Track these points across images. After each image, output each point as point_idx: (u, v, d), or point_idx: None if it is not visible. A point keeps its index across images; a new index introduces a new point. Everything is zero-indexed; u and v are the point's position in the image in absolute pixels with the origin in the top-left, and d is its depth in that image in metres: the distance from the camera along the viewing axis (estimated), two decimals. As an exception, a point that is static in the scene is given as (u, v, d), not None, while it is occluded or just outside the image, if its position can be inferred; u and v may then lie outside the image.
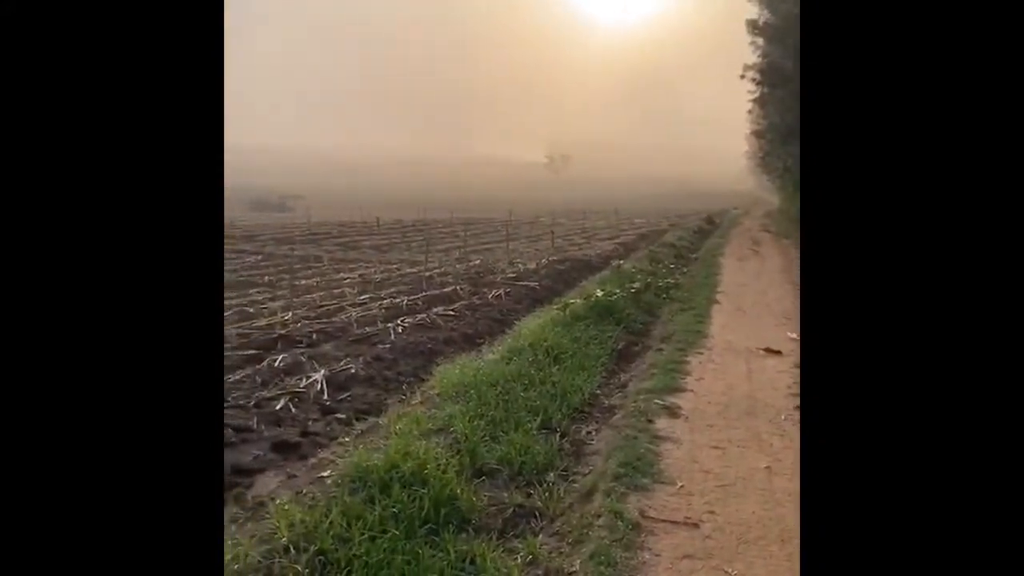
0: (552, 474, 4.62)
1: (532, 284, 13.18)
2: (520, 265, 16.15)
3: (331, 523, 3.36)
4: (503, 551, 3.56)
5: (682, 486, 4.39)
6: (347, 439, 5.28)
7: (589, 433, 5.60)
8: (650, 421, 5.60)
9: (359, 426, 5.57)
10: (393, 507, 3.60)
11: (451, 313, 10.15)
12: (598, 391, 6.67)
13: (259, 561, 3.07)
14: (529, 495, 4.28)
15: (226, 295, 12.44)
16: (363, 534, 3.32)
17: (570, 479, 4.64)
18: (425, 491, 3.78)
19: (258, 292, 13.01)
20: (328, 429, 5.71)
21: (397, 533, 3.39)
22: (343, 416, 5.97)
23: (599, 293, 10.00)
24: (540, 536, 3.83)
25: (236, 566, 3.00)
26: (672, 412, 5.90)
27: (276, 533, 3.31)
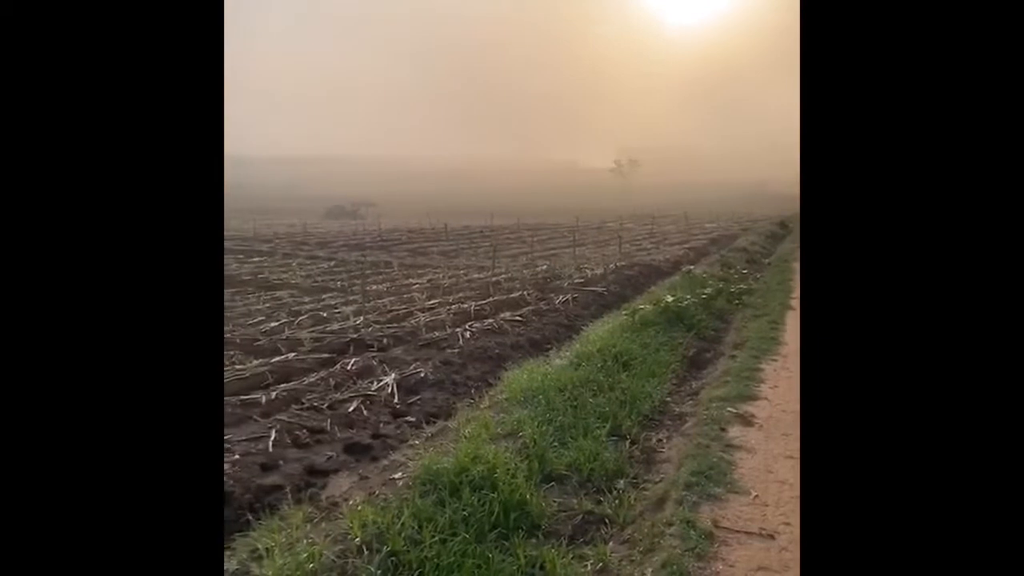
0: (622, 481, 4.56)
1: (599, 289, 13.08)
2: (587, 270, 16.05)
3: (403, 525, 3.40)
4: (573, 557, 3.53)
5: (756, 496, 4.26)
6: (417, 442, 5.34)
7: (660, 441, 5.51)
8: (723, 429, 5.48)
9: (429, 429, 5.63)
10: (463, 510, 3.62)
11: (518, 318, 10.17)
12: (668, 398, 6.56)
13: (333, 561, 3.13)
14: (599, 502, 4.23)
15: (302, 300, 12.80)
16: (434, 536, 3.35)
17: (640, 487, 4.57)
18: (495, 495, 3.79)
19: (331, 297, 13.32)
20: (399, 432, 5.79)
21: (467, 536, 3.40)
22: (413, 419, 6.04)
23: (669, 299, 9.84)
24: (610, 544, 3.78)
25: (311, 565, 3.06)
26: (746, 420, 5.75)
27: (350, 533, 3.37)
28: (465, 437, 4.73)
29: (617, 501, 4.23)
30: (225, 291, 13.86)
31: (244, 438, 5.20)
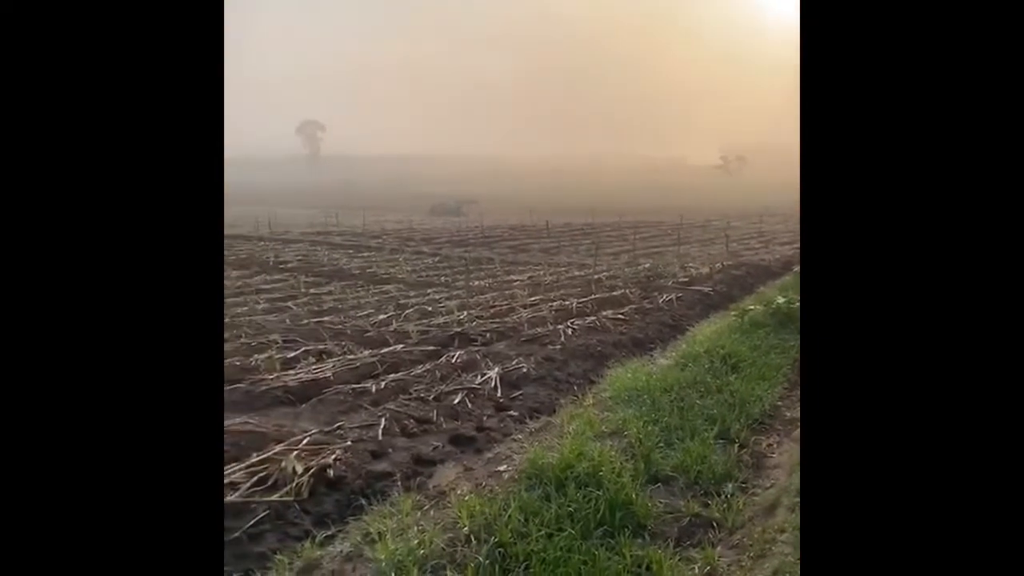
0: (730, 485, 4.43)
1: (705, 289, 12.77)
2: (692, 269, 15.71)
3: (510, 517, 3.44)
4: (679, 559, 3.47)
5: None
6: (520, 436, 5.38)
7: (770, 445, 5.32)
8: (838, 437, 5.23)
9: (532, 424, 5.66)
10: (569, 506, 3.62)
11: (621, 317, 10.07)
12: (780, 402, 6.33)
13: (443, 548, 3.20)
14: (706, 505, 4.13)
15: (408, 293, 13.15)
16: (540, 530, 3.37)
17: (750, 492, 4.43)
18: (600, 493, 3.77)
19: (436, 291, 13.62)
20: (502, 425, 5.85)
21: (573, 532, 3.40)
22: (516, 414, 6.09)
23: (780, 300, 9.49)
24: (718, 548, 3.69)
25: (422, 551, 3.15)
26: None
27: (458, 522, 3.43)
28: (569, 434, 4.73)
29: (725, 505, 4.12)
30: (337, 284, 14.43)
31: (355, 425, 5.39)
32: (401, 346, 8.32)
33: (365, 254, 20.59)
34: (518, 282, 14.90)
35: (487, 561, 3.13)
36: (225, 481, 4.15)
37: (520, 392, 6.63)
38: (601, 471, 3.97)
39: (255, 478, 4.23)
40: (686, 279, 14.05)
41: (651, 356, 7.99)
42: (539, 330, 9.18)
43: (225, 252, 19.35)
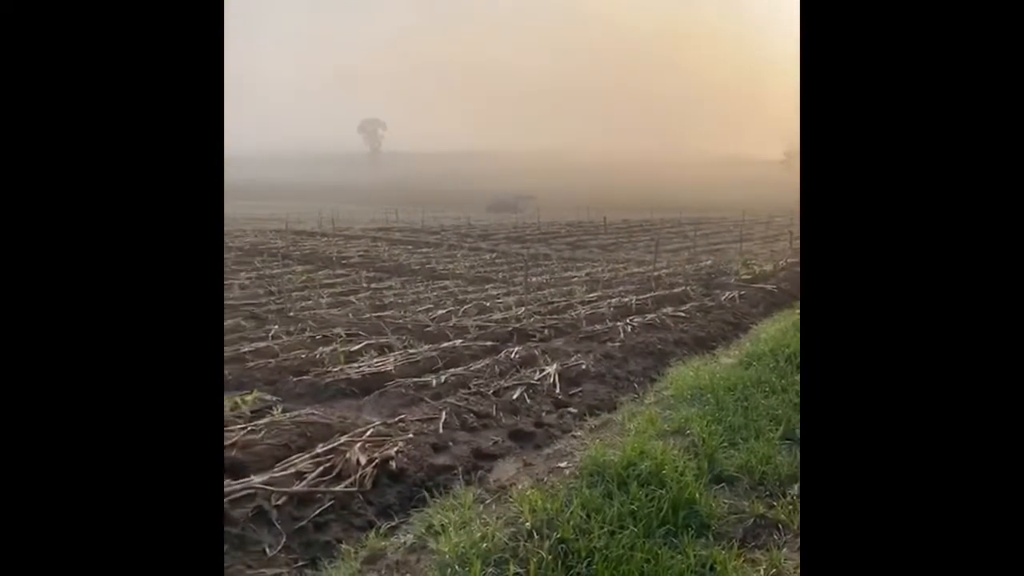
0: (796, 486, 4.33)
1: (769, 287, 12.50)
2: (755, 267, 15.38)
3: (571, 513, 3.43)
4: (744, 560, 3.41)
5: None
6: (579, 433, 5.37)
7: (837, 448, 5.18)
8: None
9: (591, 421, 5.64)
10: (631, 504, 3.59)
11: (681, 314, 9.93)
12: (847, 404, 6.15)
13: (505, 543, 3.21)
14: (771, 506, 4.04)
15: (466, 289, 13.25)
16: (602, 528, 3.35)
17: (817, 495, 4.32)
18: (663, 492, 3.73)
19: (493, 287, 13.69)
20: (561, 421, 5.84)
21: (636, 531, 3.37)
22: (575, 410, 6.07)
23: (847, 298, 9.20)
24: (784, 550, 3.60)
25: (484, 545, 3.17)
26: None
27: (520, 517, 3.44)
28: (630, 431, 4.69)
29: (791, 507, 4.02)
30: (397, 279, 14.64)
31: (417, 418, 5.46)
32: (460, 341, 8.39)
33: (424, 250, 20.83)
34: (576, 278, 14.85)
35: (549, 557, 3.14)
36: (292, 470, 4.25)
37: (579, 389, 6.61)
38: (664, 470, 3.93)
39: (321, 468, 4.33)
40: (749, 276, 13.78)
41: (714, 354, 7.86)
42: (598, 327, 9.14)
43: (291, 247, 19.86)
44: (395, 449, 4.66)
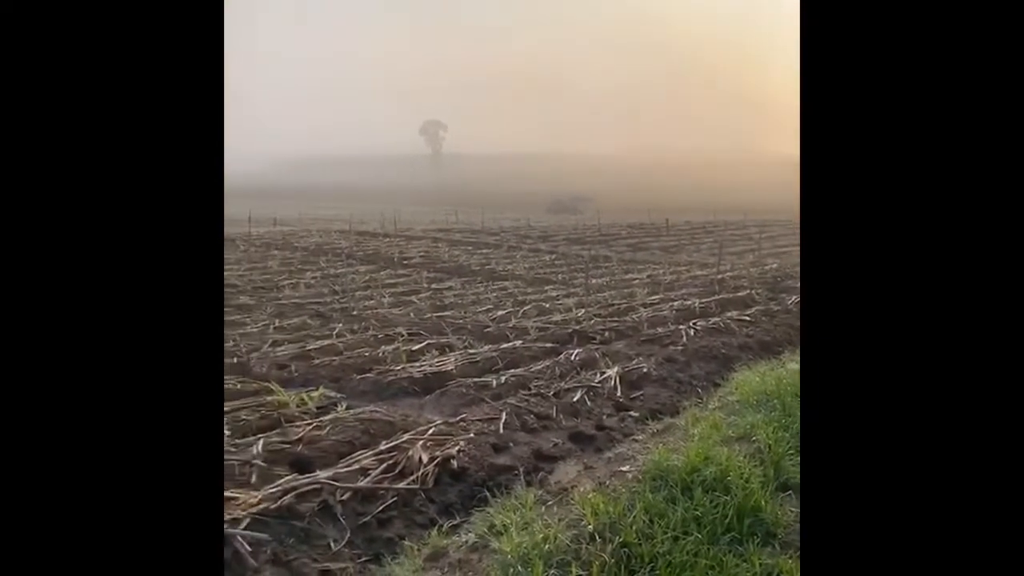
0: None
1: (837, 291, 12.11)
2: (822, 270, 14.92)
3: (634, 518, 3.39)
4: (813, 574, 3.31)
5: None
6: (641, 437, 5.31)
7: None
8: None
9: (654, 425, 5.57)
10: (695, 510, 3.53)
11: (746, 318, 9.73)
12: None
13: (567, 545, 3.20)
14: (842, 518, 3.93)
15: (526, 290, 13.26)
16: (666, 533, 3.31)
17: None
18: (728, 498, 3.65)
19: (553, 289, 13.66)
20: (622, 425, 5.79)
21: (700, 537, 3.32)
22: (636, 414, 6.01)
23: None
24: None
25: (546, 546, 3.16)
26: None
27: (582, 520, 3.43)
28: (694, 436, 4.62)
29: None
30: (457, 280, 14.75)
31: (477, 418, 5.49)
32: (520, 342, 8.40)
33: (484, 251, 20.94)
34: (637, 281, 14.70)
35: (612, 560, 3.11)
36: (356, 466, 4.33)
37: (640, 392, 6.54)
38: (729, 476, 3.85)
39: (384, 465, 4.39)
40: (816, 280, 13.39)
41: (780, 359, 7.67)
42: (660, 330, 9.03)
43: (355, 248, 20.24)
44: (456, 448, 4.69)
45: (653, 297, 12.12)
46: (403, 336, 8.68)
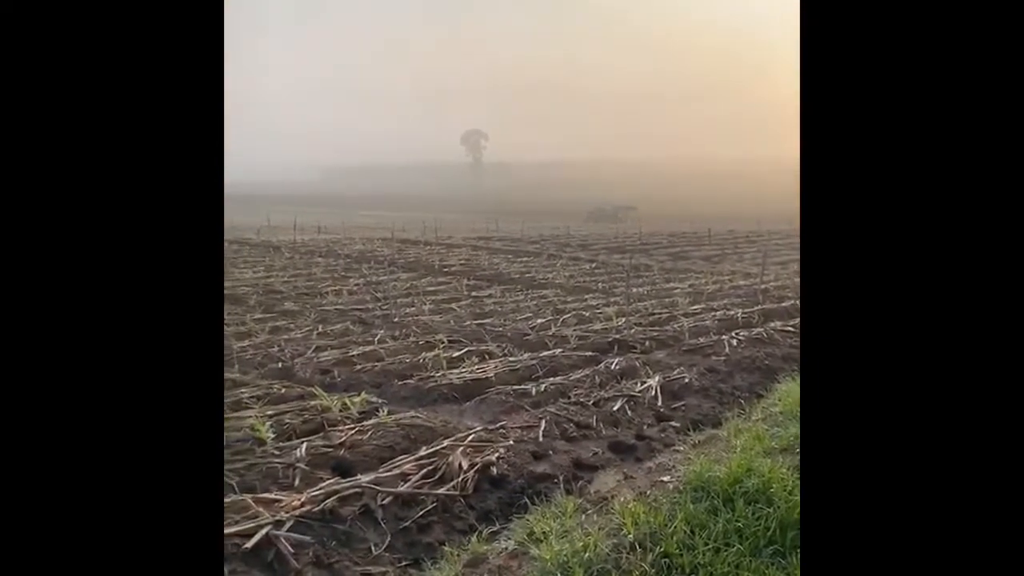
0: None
1: (885, 302, 11.84)
2: (870, 281, 14.61)
3: (675, 528, 3.36)
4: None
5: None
6: (682, 447, 5.26)
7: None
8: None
9: (695, 436, 5.51)
10: (737, 521, 3.49)
11: (790, 329, 9.56)
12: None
13: (607, 554, 3.19)
14: (889, 534, 3.84)
15: (566, 299, 13.24)
16: (707, 544, 3.27)
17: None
18: (771, 511, 3.60)
19: (593, 297, 13.62)
20: (663, 435, 5.74)
21: (742, 548, 3.27)
22: (677, 424, 5.96)
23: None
24: None
25: (586, 555, 3.15)
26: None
27: (622, 529, 3.41)
28: (736, 448, 4.56)
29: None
30: (497, 287, 14.81)
31: (517, 425, 5.50)
32: (560, 350, 8.39)
33: (523, 259, 20.98)
34: (678, 290, 14.58)
35: (652, 570, 3.09)
36: (397, 471, 4.37)
37: (682, 403, 6.48)
38: (772, 488, 3.79)
39: (424, 470, 4.43)
40: (863, 291, 13.11)
41: (824, 371, 7.52)
42: (701, 340, 8.94)
43: (396, 255, 20.46)
44: (496, 455, 4.71)
45: (695, 307, 12.00)
46: (443, 343, 8.74)
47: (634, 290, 14.32)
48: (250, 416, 5.42)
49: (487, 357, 8.10)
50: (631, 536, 3.32)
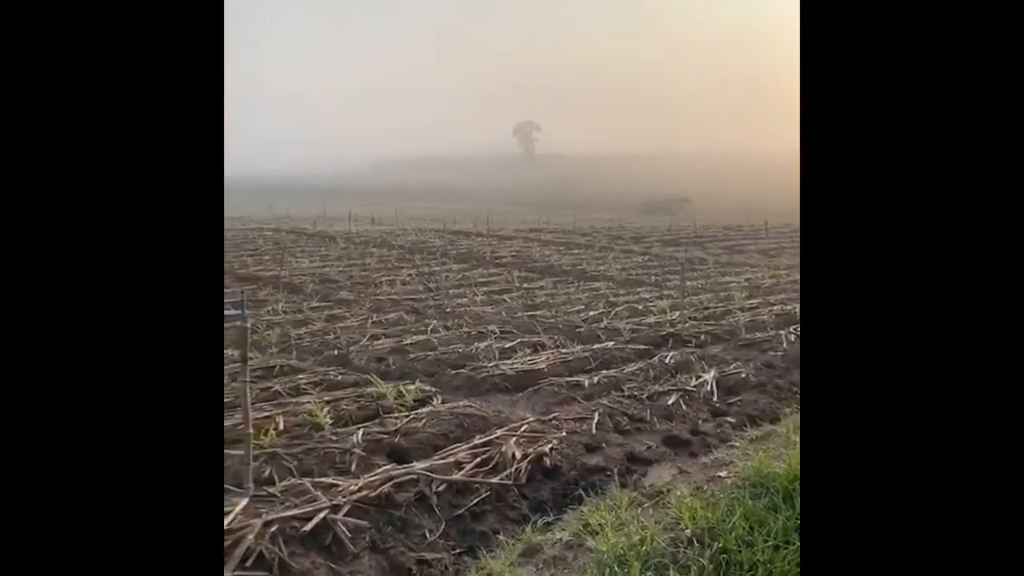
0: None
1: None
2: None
3: (734, 524, 3.31)
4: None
5: None
6: (738, 443, 5.17)
7: None
8: None
9: (752, 432, 5.41)
10: (797, 519, 3.41)
11: (851, 325, 9.30)
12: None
13: (664, 548, 3.15)
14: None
15: (618, 291, 13.13)
16: (767, 541, 3.20)
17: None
18: (833, 510, 3.51)
19: (646, 290, 13.47)
20: (719, 431, 5.65)
21: (803, 548, 3.20)
22: (733, 420, 5.86)
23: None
24: None
25: (643, 548, 3.12)
26: None
27: (679, 523, 3.36)
28: (795, 444, 4.45)
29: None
30: (548, 279, 14.77)
31: (570, 417, 5.48)
32: (613, 343, 8.33)
33: (575, 251, 20.88)
34: (734, 284, 14.30)
35: (711, 566, 3.04)
36: (451, 459, 4.40)
37: (738, 398, 6.37)
38: (834, 487, 3.70)
39: (477, 459, 4.45)
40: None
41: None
42: (758, 335, 8.76)
43: (448, 246, 20.60)
44: (549, 446, 4.70)
45: (751, 301, 11.76)
46: (495, 334, 8.76)
47: (688, 283, 14.11)
48: (308, 401, 5.52)
49: (539, 349, 8.08)
50: (688, 531, 3.27)
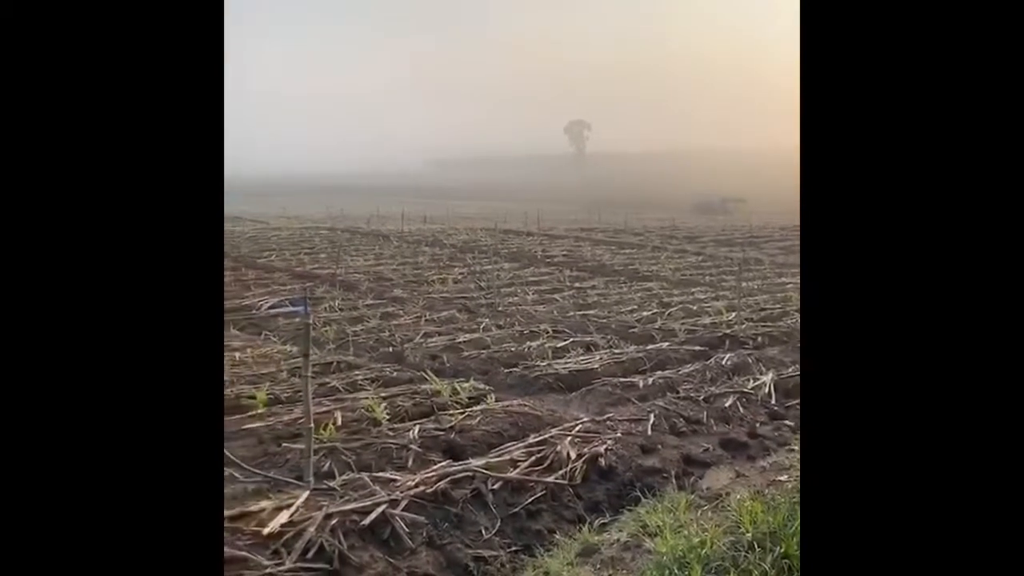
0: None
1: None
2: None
3: (796, 529, 3.24)
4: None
5: None
6: (797, 447, 5.05)
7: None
8: None
9: (812, 436, 5.28)
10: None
11: (915, 328, 9.01)
12: None
13: (724, 551, 3.11)
14: None
15: (671, 292, 12.99)
16: (830, 549, 3.13)
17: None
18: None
19: (700, 291, 13.28)
20: (777, 434, 5.56)
21: (869, 556, 3.11)
22: (791, 423, 5.74)
23: None
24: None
25: (703, 551, 3.08)
26: None
27: (740, 527, 3.31)
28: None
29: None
30: (600, 279, 14.69)
31: (624, 418, 5.44)
32: (667, 344, 8.24)
33: (627, 251, 20.71)
34: (791, 285, 13.98)
35: (773, 571, 2.99)
36: (507, 457, 4.42)
37: (796, 401, 6.23)
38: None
39: (532, 458, 4.45)
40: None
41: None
42: (817, 337, 8.56)
43: (499, 245, 20.67)
44: (604, 447, 4.68)
45: (809, 302, 11.49)
46: (547, 333, 8.75)
47: (744, 284, 13.86)
48: (365, 397, 5.61)
49: (592, 348, 8.04)
50: (749, 535, 3.22)
